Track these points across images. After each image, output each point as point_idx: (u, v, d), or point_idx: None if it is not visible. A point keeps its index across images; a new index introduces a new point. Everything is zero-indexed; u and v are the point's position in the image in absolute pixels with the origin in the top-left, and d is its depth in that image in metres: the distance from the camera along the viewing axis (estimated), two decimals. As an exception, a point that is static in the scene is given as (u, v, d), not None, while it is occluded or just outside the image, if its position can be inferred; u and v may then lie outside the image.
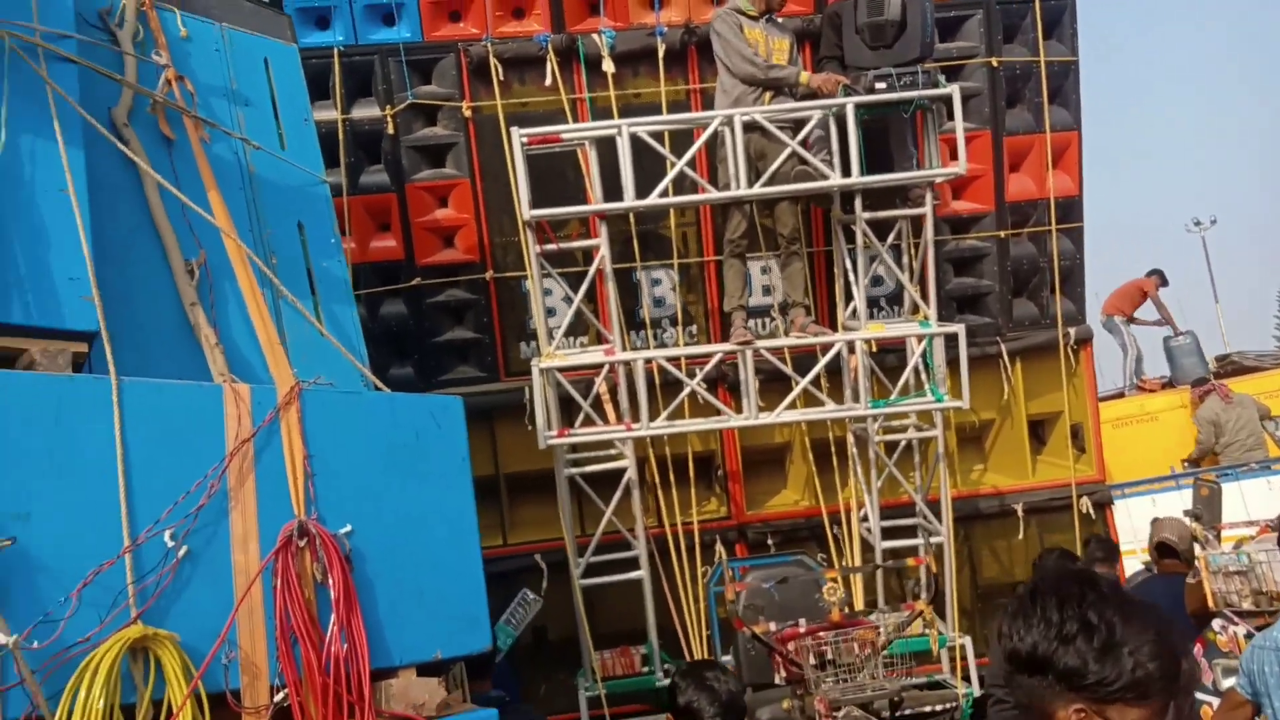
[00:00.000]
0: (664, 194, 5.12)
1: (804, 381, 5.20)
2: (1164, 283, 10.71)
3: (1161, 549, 5.79)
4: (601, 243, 5.33)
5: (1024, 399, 6.25)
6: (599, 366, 5.53)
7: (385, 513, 2.88)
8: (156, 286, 3.35)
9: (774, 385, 5.63)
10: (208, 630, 2.47)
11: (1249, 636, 4.65)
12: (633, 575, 5.48)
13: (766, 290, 6.16)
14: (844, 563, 5.76)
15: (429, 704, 2.72)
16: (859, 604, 5.42)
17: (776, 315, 6.10)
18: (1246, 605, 4.65)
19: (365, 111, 6.00)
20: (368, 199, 6.02)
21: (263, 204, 3.78)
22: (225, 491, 2.62)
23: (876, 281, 6.07)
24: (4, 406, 2.37)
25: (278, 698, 2.52)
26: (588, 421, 5.47)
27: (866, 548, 5.87)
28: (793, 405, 5.28)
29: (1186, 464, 9.52)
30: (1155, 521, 5.56)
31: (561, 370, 5.42)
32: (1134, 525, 7.14)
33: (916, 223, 5.69)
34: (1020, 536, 6.27)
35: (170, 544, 2.48)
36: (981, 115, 5.91)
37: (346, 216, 5.86)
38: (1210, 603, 4.85)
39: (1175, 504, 8.45)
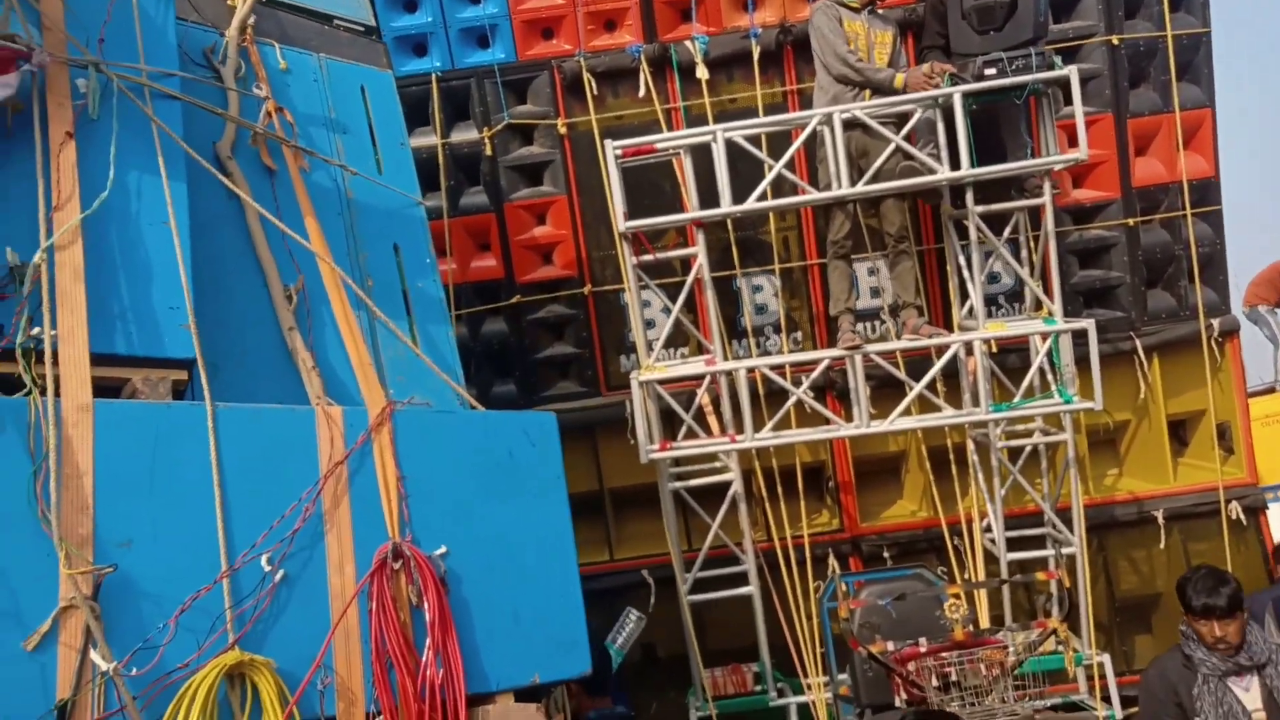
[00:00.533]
0: (762, 198, 4.94)
1: (919, 386, 4.91)
2: None
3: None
4: (699, 250, 5.19)
5: (1163, 398, 5.76)
6: (700, 378, 5.39)
7: (480, 533, 2.82)
8: (259, 313, 3.40)
9: (886, 391, 5.37)
10: (304, 655, 2.45)
11: None
12: (742, 590, 5.29)
13: (875, 292, 5.88)
14: (966, 576, 5.42)
15: (527, 731, 2.64)
16: (984, 621, 5.08)
17: (887, 318, 5.82)
18: None
19: (464, 135, 6.04)
20: (468, 220, 6.05)
21: (360, 228, 3.82)
22: (320, 514, 2.60)
23: (993, 278, 5.72)
24: (106, 436, 2.41)
25: (374, 725, 2.47)
26: (690, 434, 5.33)
27: (990, 560, 5.51)
28: (907, 412, 5.00)
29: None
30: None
31: (661, 382, 5.30)
32: (1289, 531, 6.52)
33: (1035, 214, 5.33)
34: (1161, 545, 5.78)
35: (267, 568, 2.47)
36: (1102, 97, 5.49)
37: (447, 238, 5.92)
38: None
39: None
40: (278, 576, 2.46)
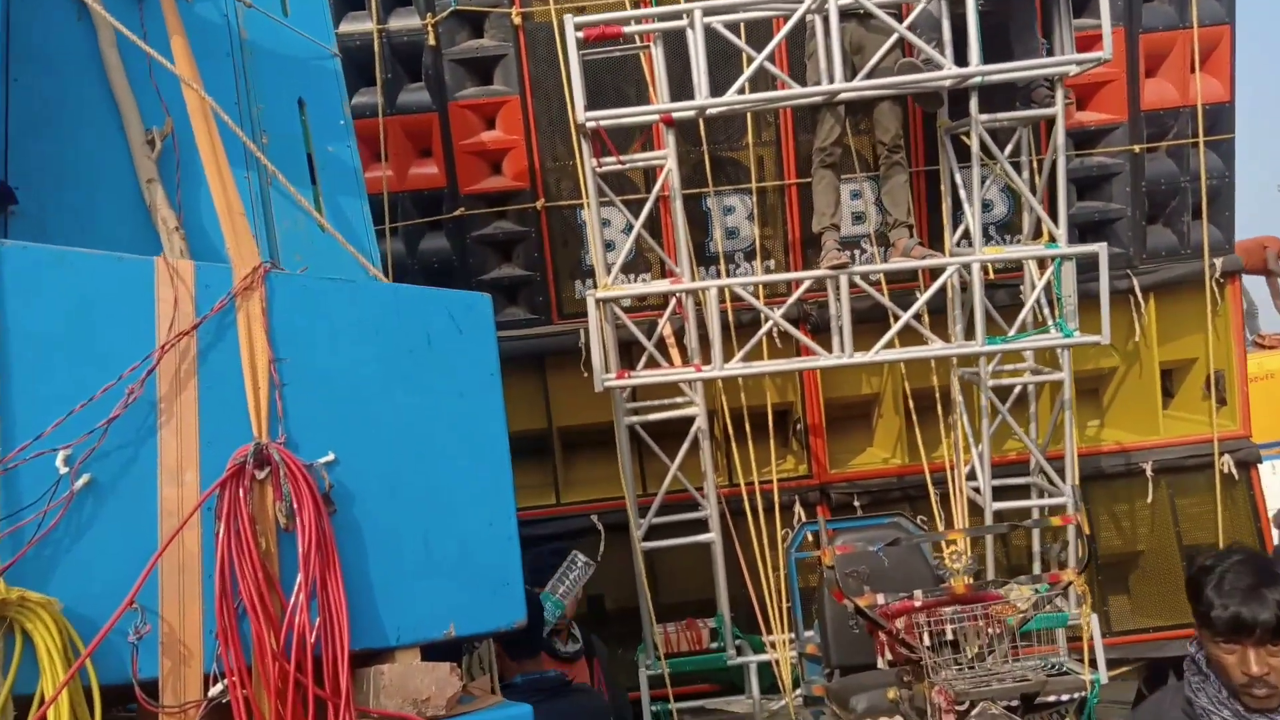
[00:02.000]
0: (741, 92, 4.19)
1: (907, 315, 4.23)
2: None
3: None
4: (668, 155, 4.43)
5: (1156, 343, 5.17)
6: (664, 304, 4.67)
7: (383, 438, 2.05)
8: (117, 162, 2.57)
9: (864, 328, 4.64)
10: (115, 594, 1.67)
11: None
12: (701, 538, 4.59)
13: (858, 217, 5.17)
14: (944, 528, 4.80)
15: (436, 698, 1.89)
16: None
17: (870, 246, 5.11)
18: None
19: (404, 21, 5.15)
20: (406, 120, 5.18)
21: (257, 75, 2.97)
22: (153, 401, 1.81)
23: (986, 206, 5.04)
24: None
25: (213, 692, 1.70)
26: (651, 365, 4.61)
27: (973, 511, 4.90)
28: (891, 343, 4.32)
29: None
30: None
31: (621, 305, 4.57)
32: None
33: (1037, 135, 4.67)
34: (1148, 499, 5.21)
35: (63, 470, 1.67)
36: (1114, 9, 4.79)
37: (382, 140, 5.07)
38: None
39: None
40: (79, 482, 1.67)
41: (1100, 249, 4.09)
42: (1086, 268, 4.40)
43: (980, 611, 3.17)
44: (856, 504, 5.11)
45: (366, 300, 2.18)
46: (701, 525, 4.64)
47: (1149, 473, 5.11)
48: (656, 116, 4.35)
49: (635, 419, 4.65)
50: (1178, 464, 5.17)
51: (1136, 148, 4.94)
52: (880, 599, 3.21)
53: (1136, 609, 5.36)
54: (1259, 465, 5.23)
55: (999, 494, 4.80)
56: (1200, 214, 4.95)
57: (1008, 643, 3.26)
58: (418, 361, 2.15)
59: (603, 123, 4.39)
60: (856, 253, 5.15)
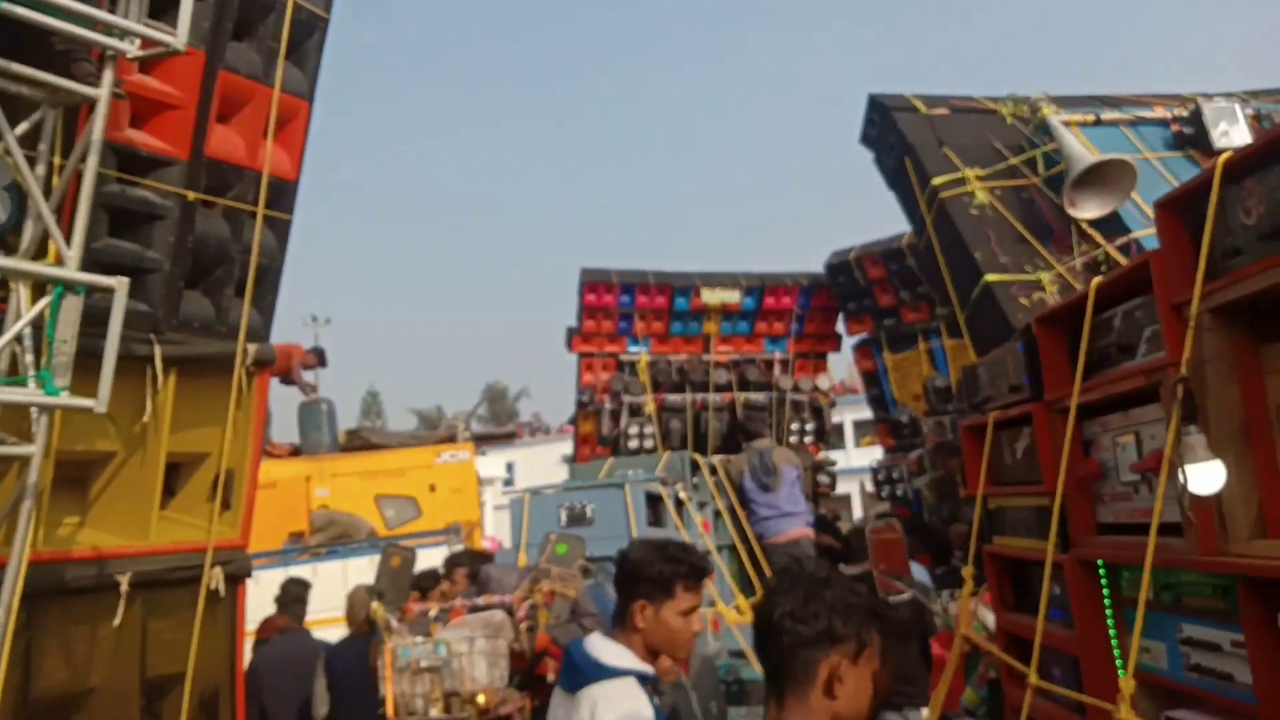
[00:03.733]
0: None
1: None
2: (321, 363, 10.67)
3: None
4: None
5: (169, 429, 4.32)
6: None
7: None
8: None
9: None
10: None
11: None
12: None
13: None
14: None
15: None
16: None
17: None
18: (435, 712, 3.55)
19: None
20: None
21: None
22: None
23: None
24: None
25: None
26: None
27: None
28: None
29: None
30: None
31: None
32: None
33: (69, 129, 3.50)
34: (117, 621, 4.19)
35: None
36: (200, 30, 4.07)
37: None
38: (390, 711, 3.65)
39: (279, 580, 7.41)
40: None
41: (120, 283, 3.10)
42: (100, 322, 3.34)
43: None
44: None
45: None
46: None
47: (124, 587, 4.11)
48: None
49: None
50: (161, 577, 4.31)
51: (191, 195, 4.19)
52: None
53: (76, 761, 4.17)
54: (248, 579, 4.75)
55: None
56: (244, 291, 4.42)
57: None
58: None
59: None
60: None
